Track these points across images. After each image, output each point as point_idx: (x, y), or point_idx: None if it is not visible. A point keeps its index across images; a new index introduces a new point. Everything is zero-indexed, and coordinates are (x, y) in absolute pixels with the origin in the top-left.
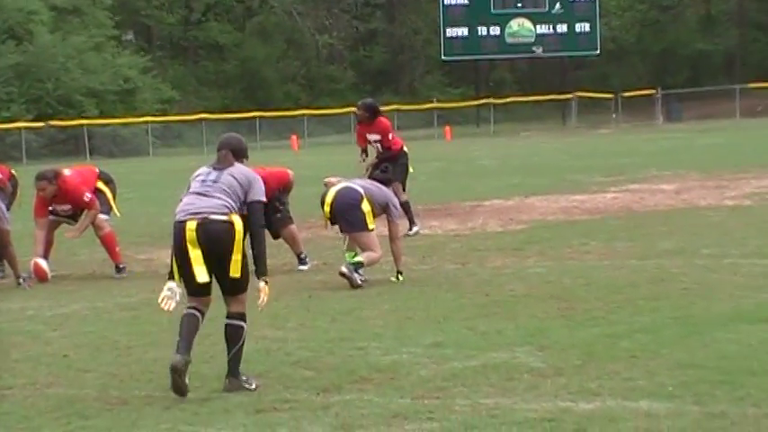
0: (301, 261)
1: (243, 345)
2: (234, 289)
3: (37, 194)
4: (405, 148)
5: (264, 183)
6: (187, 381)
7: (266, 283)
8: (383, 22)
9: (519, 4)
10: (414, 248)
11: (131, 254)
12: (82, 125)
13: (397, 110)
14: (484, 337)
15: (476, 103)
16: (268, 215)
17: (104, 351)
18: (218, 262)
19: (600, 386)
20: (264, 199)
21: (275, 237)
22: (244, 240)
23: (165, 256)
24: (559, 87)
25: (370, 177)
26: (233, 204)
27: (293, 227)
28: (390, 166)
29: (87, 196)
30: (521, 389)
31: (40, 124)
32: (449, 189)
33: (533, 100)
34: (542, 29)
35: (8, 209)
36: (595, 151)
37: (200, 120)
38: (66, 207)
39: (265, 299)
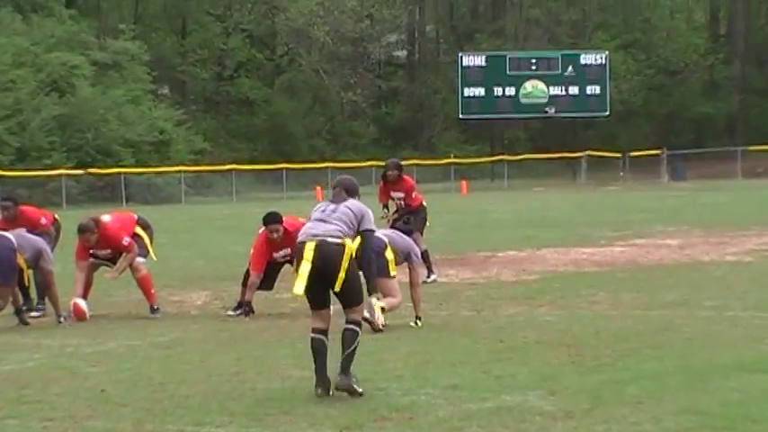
0: None
1: (356, 347)
2: (348, 301)
3: (79, 240)
4: (424, 203)
5: (298, 232)
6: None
7: (378, 298)
8: (404, 81)
9: (533, 67)
10: (431, 295)
11: (165, 295)
12: (119, 173)
13: (416, 164)
14: (498, 380)
15: (490, 159)
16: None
17: (140, 387)
18: (328, 279)
19: (608, 429)
20: (374, 228)
21: None
22: (351, 262)
23: (196, 298)
24: (570, 146)
25: (392, 227)
26: (347, 231)
27: None
28: (412, 218)
29: (126, 240)
30: (533, 430)
31: (80, 172)
32: (464, 240)
33: (545, 157)
34: (555, 90)
35: (51, 251)
36: (604, 207)
37: (230, 170)
38: (107, 251)
39: (378, 312)
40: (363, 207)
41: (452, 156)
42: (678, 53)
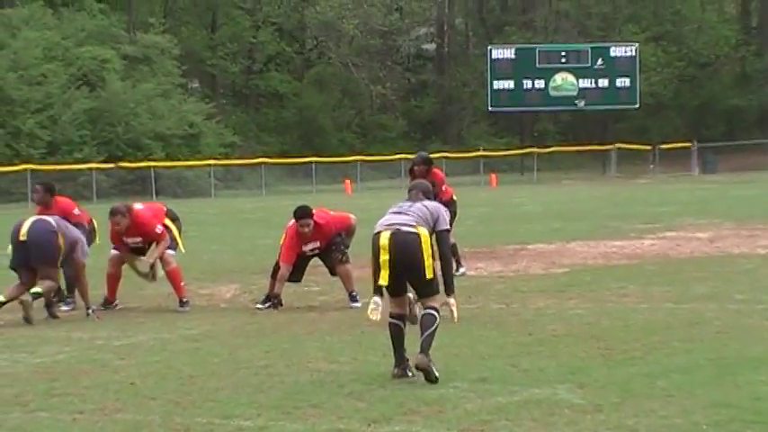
0: (353, 299)
1: (435, 329)
2: (427, 290)
3: (112, 229)
4: (454, 197)
5: (329, 225)
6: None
7: (452, 297)
8: (433, 74)
9: (563, 60)
10: (460, 289)
11: (194, 288)
12: (149, 167)
13: (446, 157)
14: (526, 374)
15: (520, 152)
16: (328, 252)
17: (169, 380)
18: (408, 267)
19: (637, 423)
20: (449, 228)
21: (332, 273)
22: (432, 251)
23: (226, 291)
24: (600, 138)
25: None
26: (422, 222)
27: (349, 266)
28: None
29: (159, 228)
30: (561, 423)
31: (110, 165)
32: (494, 233)
33: (575, 150)
34: (585, 83)
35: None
36: (634, 200)
37: (260, 164)
38: (138, 239)
39: (456, 311)
40: (440, 207)
41: (482, 149)
42: (709, 45)
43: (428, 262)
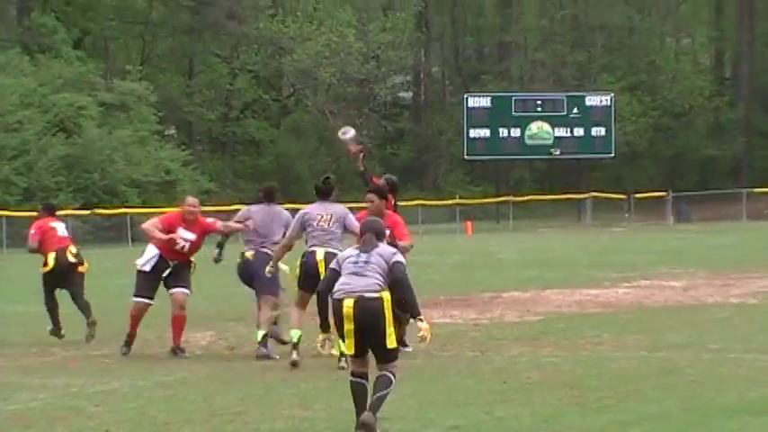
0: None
1: (388, 393)
2: (387, 358)
3: (176, 215)
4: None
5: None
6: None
7: (422, 320)
8: (410, 122)
9: (539, 108)
10: (435, 336)
11: (170, 335)
12: (125, 213)
13: (422, 204)
14: (500, 422)
15: (496, 200)
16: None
17: (144, 427)
18: (371, 335)
19: None
20: (404, 260)
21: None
22: (393, 315)
23: (201, 337)
24: (576, 187)
25: None
26: (383, 282)
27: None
28: None
29: (218, 223)
30: None
31: (87, 212)
32: (469, 281)
33: (551, 198)
34: (560, 132)
35: None
36: (609, 248)
37: (236, 210)
38: (191, 236)
39: (426, 334)
40: (391, 249)
41: (458, 196)
42: (683, 95)
43: (390, 330)
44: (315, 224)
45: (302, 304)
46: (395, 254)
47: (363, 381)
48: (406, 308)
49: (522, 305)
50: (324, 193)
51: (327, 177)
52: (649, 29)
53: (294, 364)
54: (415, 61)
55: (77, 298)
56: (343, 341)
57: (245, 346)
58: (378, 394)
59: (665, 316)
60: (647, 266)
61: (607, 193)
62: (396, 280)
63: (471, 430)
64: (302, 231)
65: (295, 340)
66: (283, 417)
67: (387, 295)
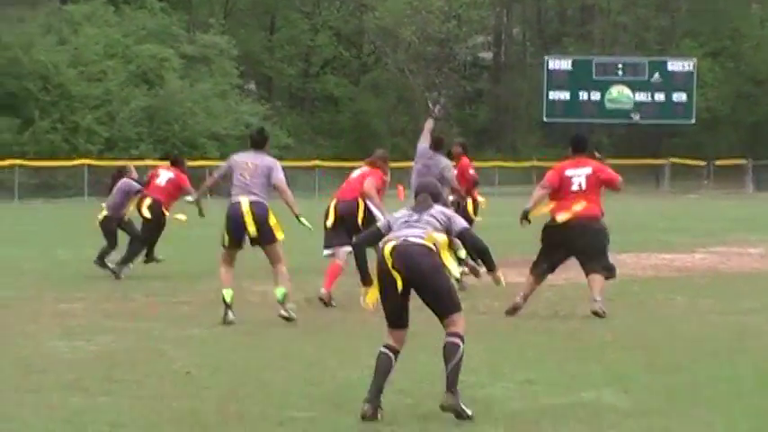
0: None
1: (460, 361)
2: (443, 308)
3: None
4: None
5: None
6: (380, 416)
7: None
8: (489, 83)
9: (620, 72)
10: (509, 294)
11: (248, 286)
12: (203, 166)
13: (499, 166)
14: (573, 378)
15: None
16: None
17: (223, 371)
18: (416, 279)
19: (681, 427)
20: (468, 225)
21: None
22: (444, 266)
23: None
24: (654, 152)
25: None
26: (432, 231)
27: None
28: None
29: None
30: (606, 425)
31: (166, 163)
32: None
33: (629, 164)
34: (641, 97)
35: None
36: (686, 214)
37: (314, 166)
38: None
39: (502, 277)
40: (448, 212)
41: (535, 159)
42: (767, 62)
43: (438, 275)
44: (239, 172)
45: (229, 260)
46: (455, 221)
47: (391, 354)
48: (480, 256)
49: None
50: (254, 143)
51: (262, 129)
52: None
53: (228, 323)
54: (496, 22)
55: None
56: (380, 294)
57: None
58: (449, 366)
59: (741, 282)
60: (724, 233)
61: (686, 159)
62: (460, 236)
63: (544, 384)
64: (228, 176)
65: (228, 300)
66: (360, 366)
67: (436, 239)
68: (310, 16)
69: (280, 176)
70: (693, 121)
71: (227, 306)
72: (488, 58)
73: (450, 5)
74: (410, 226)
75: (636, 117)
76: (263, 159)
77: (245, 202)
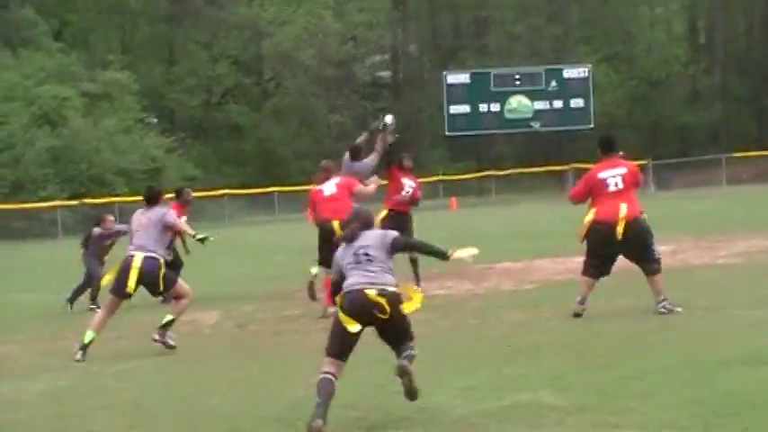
0: None
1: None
2: (402, 342)
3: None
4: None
5: None
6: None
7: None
8: (389, 101)
9: (517, 83)
10: (436, 307)
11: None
12: (113, 202)
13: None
14: (510, 380)
15: (478, 175)
16: None
17: (172, 398)
18: (385, 327)
19: (619, 419)
20: (397, 233)
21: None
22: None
23: (208, 317)
24: (556, 159)
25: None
26: (392, 269)
27: None
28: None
29: None
30: (548, 424)
31: (75, 203)
32: None
33: (532, 171)
34: (539, 105)
35: None
36: None
37: (223, 195)
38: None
39: (464, 253)
40: (381, 232)
41: (441, 173)
42: (660, 64)
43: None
44: (136, 228)
45: (111, 308)
46: (385, 234)
47: (333, 378)
48: (435, 255)
49: (516, 275)
50: (146, 200)
51: (151, 186)
52: None
53: (78, 361)
54: (392, 40)
55: None
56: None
57: (252, 324)
58: (404, 355)
59: None
60: None
61: (588, 163)
62: (404, 247)
63: (484, 389)
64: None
65: (86, 341)
66: (305, 385)
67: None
68: (208, 47)
69: (168, 219)
70: (592, 125)
71: (83, 347)
72: (387, 77)
73: (347, 27)
74: (370, 270)
75: (536, 125)
76: (155, 211)
77: (138, 257)
